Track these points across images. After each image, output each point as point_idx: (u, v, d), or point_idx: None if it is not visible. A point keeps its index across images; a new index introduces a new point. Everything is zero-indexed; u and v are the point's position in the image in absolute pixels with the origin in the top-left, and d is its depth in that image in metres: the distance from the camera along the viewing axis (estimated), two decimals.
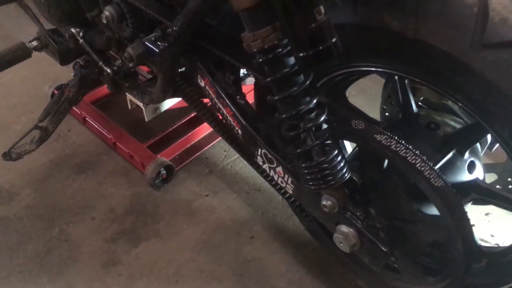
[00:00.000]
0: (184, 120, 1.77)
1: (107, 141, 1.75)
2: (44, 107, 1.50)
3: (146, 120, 1.56)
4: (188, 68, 1.26)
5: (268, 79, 0.82)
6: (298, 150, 0.90)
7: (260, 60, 0.80)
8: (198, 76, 1.19)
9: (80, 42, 1.39)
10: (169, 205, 1.58)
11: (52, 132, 1.51)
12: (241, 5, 0.77)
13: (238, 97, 1.11)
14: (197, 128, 1.74)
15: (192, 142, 1.73)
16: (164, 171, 1.60)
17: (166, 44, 1.08)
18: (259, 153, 1.08)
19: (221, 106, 1.14)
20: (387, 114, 1.19)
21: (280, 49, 0.79)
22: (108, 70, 1.39)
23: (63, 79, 1.78)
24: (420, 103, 1.11)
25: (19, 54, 1.44)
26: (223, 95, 1.11)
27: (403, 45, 0.79)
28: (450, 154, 1.00)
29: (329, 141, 0.89)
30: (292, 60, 0.80)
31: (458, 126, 1.03)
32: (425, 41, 0.76)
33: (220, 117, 1.20)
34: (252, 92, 1.22)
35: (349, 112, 0.90)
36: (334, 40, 0.73)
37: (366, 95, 1.99)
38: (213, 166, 1.71)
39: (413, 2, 0.76)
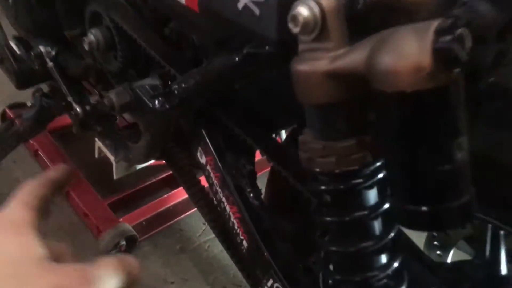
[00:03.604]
0: (160, 177, 1.43)
1: None
2: None
3: (115, 177, 1.21)
4: (186, 130, 0.94)
5: (328, 218, 0.51)
6: None
7: (324, 187, 0.49)
8: (199, 149, 0.87)
9: (48, 65, 1.06)
10: None
11: None
12: (315, 98, 0.46)
13: (252, 195, 0.80)
14: (174, 191, 1.40)
15: (165, 207, 1.39)
16: (124, 243, 1.25)
17: (167, 106, 0.76)
18: (268, 284, 0.75)
19: (224, 201, 0.82)
20: None
21: (362, 181, 0.48)
22: (78, 110, 1.05)
23: (24, 95, 1.43)
24: None
25: None
26: (231, 187, 0.80)
27: None
28: None
29: None
30: (374, 197, 0.50)
31: None
32: None
33: (218, 208, 0.88)
34: None
35: (430, 277, 0.59)
36: (467, 198, 0.42)
37: None
38: (187, 243, 1.37)
39: None
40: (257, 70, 0.67)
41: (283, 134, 1.04)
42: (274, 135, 0.98)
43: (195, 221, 1.42)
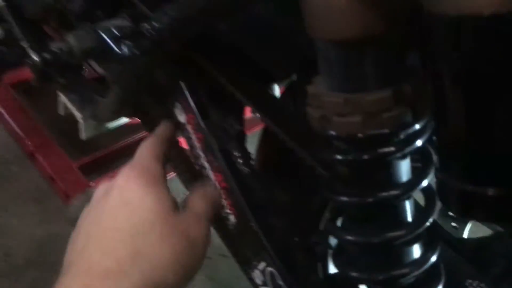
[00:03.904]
0: (137, 137, 1.29)
1: (24, 148, 1.25)
2: None
3: (83, 137, 1.07)
4: (162, 82, 0.80)
5: (344, 197, 0.38)
6: None
7: (341, 157, 0.36)
8: (177, 104, 0.73)
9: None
10: None
11: None
12: (335, 31, 0.32)
13: (241, 161, 0.66)
14: None
15: None
16: None
17: (136, 51, 0.61)
18: (259, 267, 0.63)
19: (208, 167, 0.68)
20: None
21: (394, 149, 0.35)
22: (36, 59, 0.89)
23: None
24: None
25: None
26: (215, 151, 0.66)
27: None
28: None
29: None
30: (408, 171, 0.37)
31: None
32: None
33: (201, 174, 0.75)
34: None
35: (469, 267, 0.48)
36: None
37: None
38: None
39: None
40: (251, 2, 0.52)
41: (276, 89, 0.90)
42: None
43: (176, 185, 1.28)
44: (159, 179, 0.47)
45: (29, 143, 1.20)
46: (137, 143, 1.24)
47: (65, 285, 0.40)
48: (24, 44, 0.91)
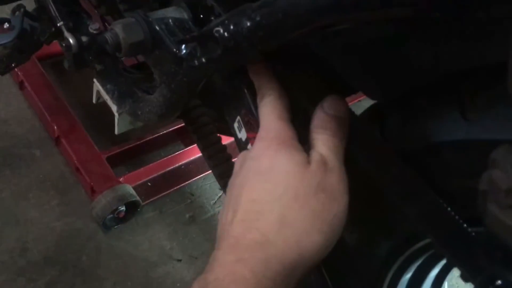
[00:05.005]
0: (172, 128, 1.17)
1: (48, 130, 1.14)
2: None
3: (117, 132, 0.96)
4: (219, 88, 0.67)
5: None
6: None
7: None
8: (239, 119, 0.61)
9: None
10: (117, 263, 1.00)
11: None
12: None
13: None
14: (188, 148, 1.15)
15: (176, 165, 1.15)
16: (123, 208, 1.02)
17: (203, 60, 0.49)
18: None
19: None
20: None
21: None
22: (71, 41, 0.77)
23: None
24: None
25: None
26: None
27: None
28: None
29: None
30: None
31: None
32: None
33: None
34: None
35: None
36: None
37: None
38: (198, 211, 1.14)
39: None
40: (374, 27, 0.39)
41: None
42: None
43: (210, 185, 1.18)
44: (286, 139, 0.46)
45: (55, 126, 1.09)
46: (172, 134, 1.13)
47: (219, 261, 0.41)
48: (58, 23, 0.79)
